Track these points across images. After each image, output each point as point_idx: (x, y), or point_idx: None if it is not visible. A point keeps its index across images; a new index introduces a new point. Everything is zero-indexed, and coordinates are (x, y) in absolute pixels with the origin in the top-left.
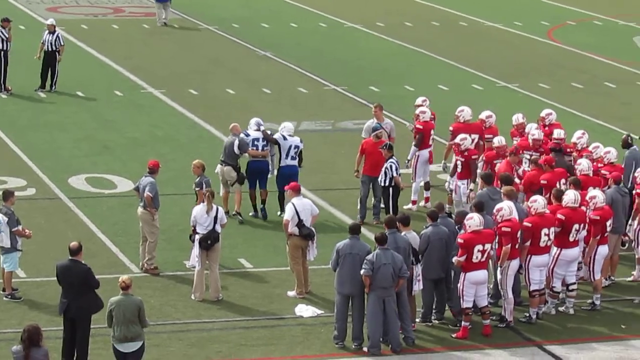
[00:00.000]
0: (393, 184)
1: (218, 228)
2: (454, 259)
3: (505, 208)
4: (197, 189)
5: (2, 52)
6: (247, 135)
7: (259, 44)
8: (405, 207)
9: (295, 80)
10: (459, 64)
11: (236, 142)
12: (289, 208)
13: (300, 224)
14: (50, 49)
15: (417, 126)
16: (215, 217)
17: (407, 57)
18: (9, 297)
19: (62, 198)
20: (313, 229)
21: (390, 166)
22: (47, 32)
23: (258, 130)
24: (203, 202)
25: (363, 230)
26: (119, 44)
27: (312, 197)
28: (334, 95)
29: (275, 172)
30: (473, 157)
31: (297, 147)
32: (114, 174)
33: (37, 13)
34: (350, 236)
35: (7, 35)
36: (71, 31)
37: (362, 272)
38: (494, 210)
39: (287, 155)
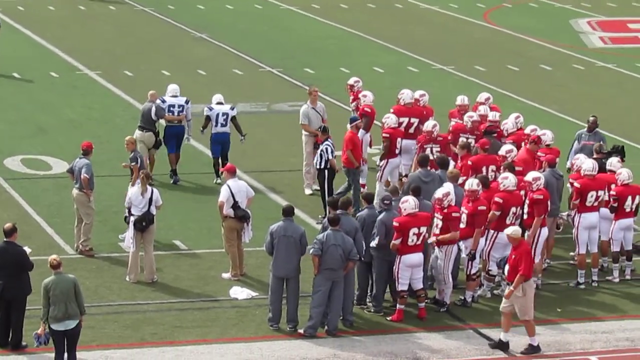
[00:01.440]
0: (328, 166)
1: (153, 210)
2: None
3: (452, 193)
4: (132, 164)
5: None
6: (163, 101)
7: (195, 25)
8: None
9: (230, 62)
10: (395, 46)
11: (153, 109)
12: (224, 190)
13: (235, 205)
14: None
15: (365, 109)
16: (150, 199)
17: (343, 39)
18: None
19: None
20: (248, 211)
21: (326, 148)
22: None
23: (175, 96)
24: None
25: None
26: (55, 25)
27: (247, 179)
28: (270, 77)
29: (190, 139)
30: (383, 134)
31: (225, 114)
32: (49, 156)
33: None
34: (284, 218)
35: None
36: (7, 12)
37: (311, 251)
38: (441, 195)
39: (216, 123)
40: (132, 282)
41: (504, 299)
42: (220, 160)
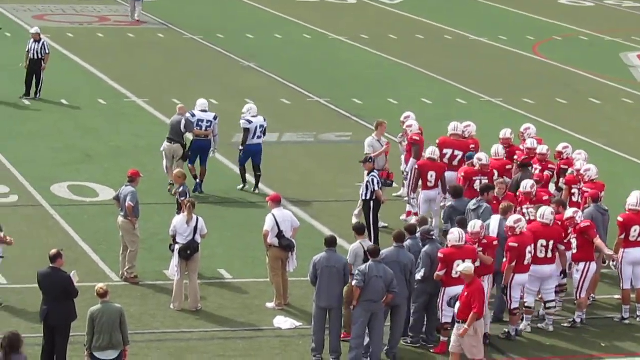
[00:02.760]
0: (374, 197)
1: (198, 238)
2: (435, 274)
3: (496, 226)
4: (181, 198)
5: None
6: (193, 115)
7: (243, 54)
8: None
9: (278, 91)
10: (443, 78)
11: (183, 122)
12: (269, 219)
13: (280, 235)
14: (35, 57)
15: (414, 137)
16: (195, 228)
17: (391, 70)
18: None
19: (44, 205)
20: (293, 240)
21: (372, 180)
22: (32, 40)
23: (204, 111)
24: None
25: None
26: (104, 52)
27: (293, 209)
28: (317, 107)
29: (215, 153)
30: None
31: (262, 126)
32: (96, 183)
33: (24, 21)
34: (327, 249)
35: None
36: (57, 39)
37: (353, 283)
38: (478, 228)
39: (253, 135)
40: (176, 310)
41: (454, 338)
42: (246, 170)
